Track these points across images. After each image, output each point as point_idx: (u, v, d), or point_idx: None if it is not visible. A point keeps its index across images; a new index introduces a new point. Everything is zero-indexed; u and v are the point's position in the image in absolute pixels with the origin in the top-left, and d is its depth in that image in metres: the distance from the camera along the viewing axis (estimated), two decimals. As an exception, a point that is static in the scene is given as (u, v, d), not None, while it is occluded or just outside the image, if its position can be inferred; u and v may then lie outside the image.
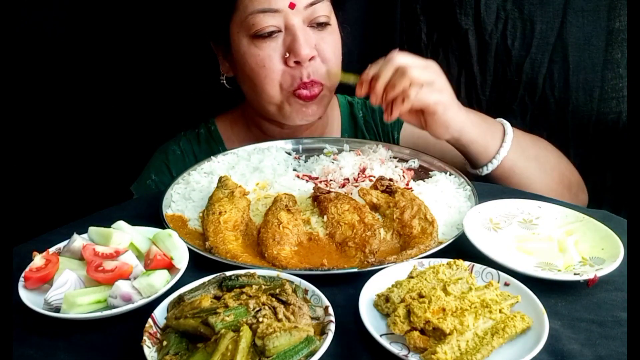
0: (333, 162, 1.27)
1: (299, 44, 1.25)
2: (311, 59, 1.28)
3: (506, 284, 0.85)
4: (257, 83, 1.31)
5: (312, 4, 1.27)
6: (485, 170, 1.24)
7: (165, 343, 0.73)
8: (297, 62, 1.27)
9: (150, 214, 1.08)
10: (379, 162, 1.26)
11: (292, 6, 1.25)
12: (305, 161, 1.31)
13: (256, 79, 1.31)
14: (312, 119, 1.36)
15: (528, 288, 0.83)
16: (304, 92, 1.29)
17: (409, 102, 1.12)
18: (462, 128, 1.18)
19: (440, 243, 0.97)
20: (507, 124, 1.26)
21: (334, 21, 1.35)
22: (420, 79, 1.11)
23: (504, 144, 1.22)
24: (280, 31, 1.28)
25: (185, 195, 1.16)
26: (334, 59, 1.33)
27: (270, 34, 1.27)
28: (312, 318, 0.77)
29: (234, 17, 1.30)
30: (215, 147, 1.49)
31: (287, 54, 1.27)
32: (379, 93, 1.13)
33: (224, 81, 1.44)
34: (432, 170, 1.25)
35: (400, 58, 1.13)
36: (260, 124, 1.47)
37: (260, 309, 0.74)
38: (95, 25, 1.66)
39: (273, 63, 1.28)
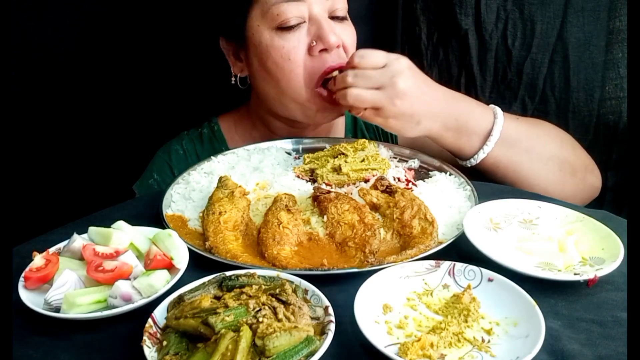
0: (333, 162, 1.26)
1: (326, 32, 1.24)
2: (337, 46, 1.27)
3: (490, 280, 0.85)
4: (282, 78, 1.28)
5: None
6: (468, 164, 1.24)
7: (165, 343, 0.73)
8: (322, 51, 1.26)
9: (150, 214, 1.08)
10: (379, 162, 1.26)
11: None
12: (306, 161, 1.31)
13: (280, 73, 1.28)
14: (335, 116, 1.37)
15: (526, 287, 0.82)
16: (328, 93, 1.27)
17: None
18: (429, 135, 1.21)
19: (440, 243, 0.96)
20: (498, 118, 1.21)
21: (348, 16, 1.35)
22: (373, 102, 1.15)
23: (485, 147, 1.21)
24: (304, 22, 1.26)
25: (185, 195, 1.16)
26: (353, 51, 1.31)
27: (295, 25, 1.25)
28: (312, 318, 0.77)
29: (254, 9, 1.28)
30: (218, 146, 1.48)
31: (314, 42, 1.25)
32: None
33: (236, 81, 1.40)
34: (432, 170, 1.25)
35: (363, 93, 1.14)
36: (268, 122, 1.45)
37: (260, 309, 0.74)
38: (99, 25, 1.66)
39: (298, 55, 1.26)
